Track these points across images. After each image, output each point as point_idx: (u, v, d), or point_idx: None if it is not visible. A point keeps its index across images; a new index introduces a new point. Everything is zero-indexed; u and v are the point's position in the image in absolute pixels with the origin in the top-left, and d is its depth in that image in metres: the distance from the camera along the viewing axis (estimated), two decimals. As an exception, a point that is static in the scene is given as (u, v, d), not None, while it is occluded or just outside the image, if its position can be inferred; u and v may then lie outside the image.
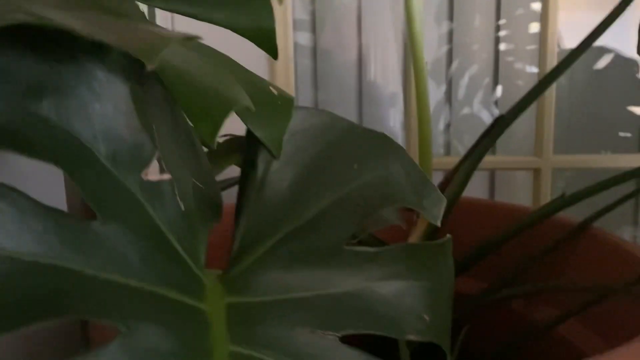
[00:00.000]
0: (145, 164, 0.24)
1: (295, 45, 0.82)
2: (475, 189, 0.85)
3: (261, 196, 0.28)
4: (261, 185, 0.28)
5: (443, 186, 0.52)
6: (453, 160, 0.54)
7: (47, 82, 0.21)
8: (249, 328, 0.24)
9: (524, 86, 0.85)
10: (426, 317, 0.26)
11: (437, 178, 0.55)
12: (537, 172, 0.68)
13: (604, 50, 0.82)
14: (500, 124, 0.51)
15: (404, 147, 0.71)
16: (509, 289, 0.50)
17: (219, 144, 0.42)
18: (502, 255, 0.54)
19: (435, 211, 0.28)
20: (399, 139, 0.88)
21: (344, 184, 0.28)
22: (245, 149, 0.29)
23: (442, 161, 0.70)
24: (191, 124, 0.29)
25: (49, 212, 0.21)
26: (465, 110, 0.89)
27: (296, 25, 0.82)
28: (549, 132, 0.67)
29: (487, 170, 0.84)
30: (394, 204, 0.28)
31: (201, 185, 0.29)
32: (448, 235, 0.29)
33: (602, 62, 0.82)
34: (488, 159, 0.73)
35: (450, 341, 0.28)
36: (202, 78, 0.28)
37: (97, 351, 0.20)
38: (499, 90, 0.85)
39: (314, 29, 0.84)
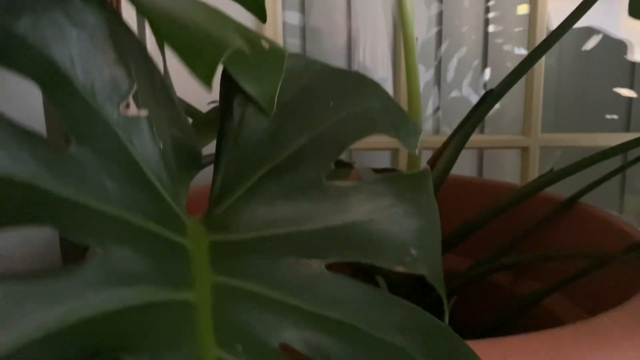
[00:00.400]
0: (123, 97, 0.24)
1: (284, 24, 0.82)
2: (464, 168, 0.85)
3: (239, 139, 0.28)
4: (239, 128, 0.28)
5: (432, 162, 0.52)
6: (442, 139, 0.54)
7: (23, 1, 0.20)
8: (232, 261, 0.24)
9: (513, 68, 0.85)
10: (413, 252, 0.26)
11: (426, 157, 0.55)
12: (525, 150, 0.67)
13: (592, 32, 0.82)
14: (489, 99, 0.51)
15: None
16: (494, 262, 0.50)
17: (204, 113, 0.41)
18: (490, 232, 0.53)
19: (412, 140, 0.27)
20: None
21: (321, 122, 0.28)
22: (221, 94, 0.29)
23: (431, 139, 0.69)
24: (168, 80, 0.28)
25: (24, 132, 0.20)
26: (454, 93, 0.89)
27: (285, 3, 0.81)
28: (537, 111, 0.66)
29: (476, 149, 0.84)
30: (370, 134, 0.27)
31: (179, 134, 0.28)
32: (426, 165, 0.28)
33: (591, 43, 0.83)
34: (477, 138, 0.73)
35: (442, 277, 0.27)
36: (194, 20, 0.27)
37: (73, 268, 0.19)
38: (488, 72, 0.85)
39: (303, 9, 0.83)
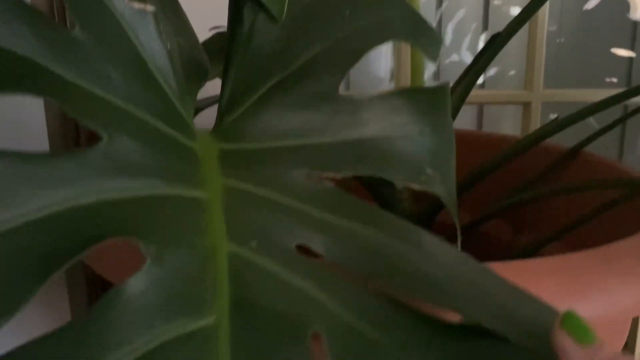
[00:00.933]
0: (128, -12, 0.22)
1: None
2: (463, 126, 0.85)
3: (249, 48, 0.27)
4: (249, 37, 0.27)
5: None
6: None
7: None
8: (243, 169, 0.23)
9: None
10: (429, 171, 0.25)
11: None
12: (527, 106, 0.67)
13: (593, -9, 0.81)
14: (497, 42, 0.50)
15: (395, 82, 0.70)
16: (494, 209, 0.49)
17: (209, 38, 0.40)
18: (492, 185, 0.53)
19: (433, 49, 0.26)
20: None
21: (336, 30, 0.27)
22: (230, 1, 0.27)
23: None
24: None
25: (25, 7, 0.19)
26: (453, 57, 0.88)
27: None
28: (540, 65, 0.66)
29: (475, 106, 0.83)
30: (388, 41, 0.26)
31: (186, 45, 0.27)
32: (447, 81, 0.27)
33: (592, 2, 0.82)
34: (478, 93, 0.71)
35: (456, 200, 0.27)
36: None
37: (76, 153, 0.19)
38: (487, 35, 0.84)
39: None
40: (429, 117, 0.26)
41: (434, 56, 0.26)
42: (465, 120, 0.86)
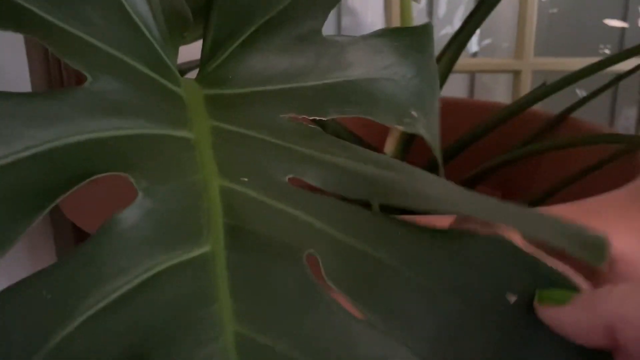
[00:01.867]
0: None
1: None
2: (456, 95, 0.85)
3: None
4: None
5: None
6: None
7: None
8: (230, 112, 0.23)
9: (506, 1, 0.83)
10: (414, 113, 0.25)
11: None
12: (517, 74, 0.67)
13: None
14: (482, 8, 0.50)
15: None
16: (482, 170, 0.49)
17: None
18: (480, 151, 0.53)
19: None
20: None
21: None
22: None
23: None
24: None
25: None
26: (447, 29, 0.87)
27: None
28: (530, 34, 0.66)
29: (466, 75, 0.83)
30: None
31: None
32: (429, 22, 0.28)
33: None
34: (468, 61, 0.72)
35: (439, 142, 0.27)
36: None
37: (62, 93, 0.19)
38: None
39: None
40: (411, 58, 0.27)
41: None
42: (457, 89, 0.86)
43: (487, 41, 0.89)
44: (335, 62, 0.25)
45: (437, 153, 0.26)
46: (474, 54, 0.89)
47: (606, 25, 0.83)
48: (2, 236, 0.15)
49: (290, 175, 0.20)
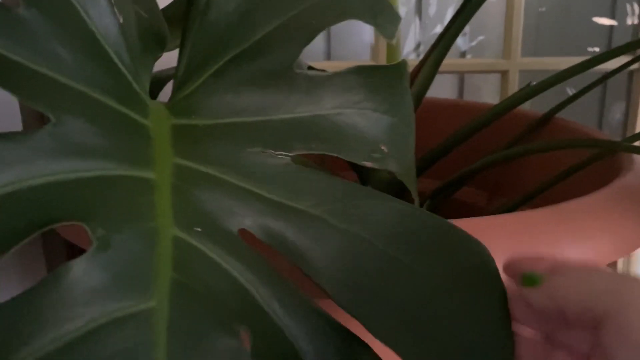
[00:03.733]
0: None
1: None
2: (444, 95, 0.85)
3: (205, 19, 0.26)
4: (206, 8, 0.26)
5: (410, 78, 0.51)
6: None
7: None
8: (195, 145, 0.23)
9: (496, 1, 0.83)
10: (384, 148, 0.25)
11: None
12: (505, 74, 0.67)
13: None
14: (469, 6, 0.50)
15: (372, 56, 0.69)
16: (466, 172, 0.49)
17: (168, 5, 0.39)
18: (467, 152, 0.53)
19: (391, 28, 0.26)
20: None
21: (294, 5, 0.26)
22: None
23: (412, 64, 0.68)
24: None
25: None
26: (437, 29, 0.87)
27: None
28: (517, 34, 0.66)
29: (455, 75, 0.83)
30: (345, 19, 0.26)
31: (144, 13, 0.27)
32: (403, 59, 0.28)
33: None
34: (457, 62, 0.71)
35: (414, 174, 0.27)
36: None
37: (22, 135, 0.19)
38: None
39: None
40: (383, 94, 0.27)
41: (391, 35, 0.26)
42: (446, 89, 0.87)
43: (480, 37, 0.89)
44: (306, 97, 0.25)
45: (412, 189, 0.27)
46: (463, 53, 0.89)
47: (595, 23, 0.83)
48: None
49: (241, 227, 0.21)
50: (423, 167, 0.51)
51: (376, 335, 0.19)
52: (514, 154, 0.50)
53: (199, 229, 0.20)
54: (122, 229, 0.19)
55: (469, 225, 0.28)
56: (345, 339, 0.19)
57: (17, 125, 0.45)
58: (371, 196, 0.23)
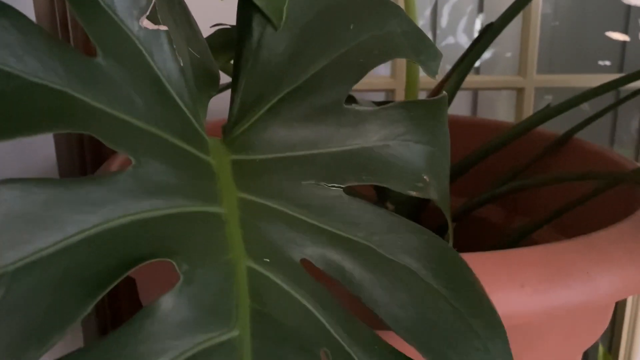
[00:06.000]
0: (142, 11, 0.24)
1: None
2: (458, 112, 0.86)
3: (258, 59, 0.28)
4: (257, 48, 0.28)
5: (432, 97, 0.52)
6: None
7: None
8: (255, 180, 0.25)
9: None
10: (426, 177, 0.27)
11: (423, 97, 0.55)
12: (520, 91, 0.68)
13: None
14: (489, 33, 0.51)
15: (392, 71, 0.71)
16: (486, 197, 0.51)
17: (212, 35, 0.41)
18: (486, 170, 0.54)
19: (433, 65, 0.28)
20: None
21: (341, 45, 0.28)
22: (239, 13, 0.29)
23: (430, 81, 0.70)
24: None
25: (52, 39, 0.20)
26: (449, 40, 0.88)
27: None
28: (534, 52, 0.67)
29: (471, 93, 0.84)
30: (392, 58, 0.28)
31: (197, 55, 0.28)
32: (444, 92, 0.29)
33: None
34: (472, 79, 0.73)
35: (449, 202, 0.28)
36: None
37: (108, 177, 0.20)
38: (482, 18, 0.85)
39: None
40: (425, 126, 0.28)
41: (434, 72, 0.28)
42: (460, 105, 0.88)
43: (493, 50, 0.90)
44: (354, 130, 0.27)
45: (447, 215, 0.28)
46: (477, 68, 0.90)
47: (608, 38, 0.84)
48: (58, 323, 0.17)
49: (303, 257, 0.22)
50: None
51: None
52: (539, 182, 0.51)
53: (268, 260, 0.21)
54: (204, 263, 0.20)
55: (505, 258, 0.29)
56: None
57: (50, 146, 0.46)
58: (413, 230, 0.25)
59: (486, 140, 0.53)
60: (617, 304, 0.84)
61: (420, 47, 0.28)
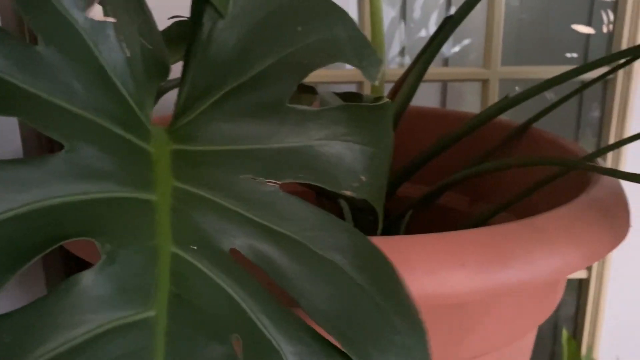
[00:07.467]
0: (89, 2, 0.24)
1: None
2: (428, 102, 0.87)
3: (207, 54, 0.29)
4: (207, 42, 0.29)
5: (393, 92, 0.53)
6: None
7: None
8: (193, 170, 0.26)
9: (478, 6, 0.86)
10: (363, 178, 0.28)
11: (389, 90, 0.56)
12: (485, 83, 0.70)
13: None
14: (449, 25, 0.52)
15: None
16: (441, 183, 0.52)
17: (169, 27, 0.41)
18: (448, 160, 0.56)
19: (374, 71, 0.29)
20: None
21: (288, 45, 0.29)
22: (192, 6, 0.29)
23: (396, 72, 0.71)
24: None
25: None
26: (422, 33, 0.89)
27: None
28: (498, 44, 0.68)
29: (438, 82, 0.85)
30: (335, 62, 0.29)
31: (149, 46, 0.29)
32: (387, 99, 0.30)
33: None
34: (438, 71, 0.74)
35: (383, 201, 0.30)
36: None
37: (40, 159, 0.21)
38: (454, 10, 0.86)
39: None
40: (367, 129, 0.29)
41: (374, 78, 0.29)
42: (429, 96, 0.89)
43: (464, 42, 0.91)
44: (296, 128, 0.28)
45: (380, 214, 0.29)
46: (446, 60, 0.91)
47: (573, 31, 0.86)
48: None
49: (232, 247, 0.23)
50: (407, 174, 0.53)
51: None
52: (494, 167, 0.52)
53: (195, 247, 0.22)
54: (127, 245, 0.21)
55: (446, 239, 0.30)
56: (328, 350, 0.22)
57: (18, 146, 0.46)
58: (344, 229, 0.26)
59: (451, 130, 0.55)
60: (580, 289, 0.86)
61: (363, 53, 0.29)
